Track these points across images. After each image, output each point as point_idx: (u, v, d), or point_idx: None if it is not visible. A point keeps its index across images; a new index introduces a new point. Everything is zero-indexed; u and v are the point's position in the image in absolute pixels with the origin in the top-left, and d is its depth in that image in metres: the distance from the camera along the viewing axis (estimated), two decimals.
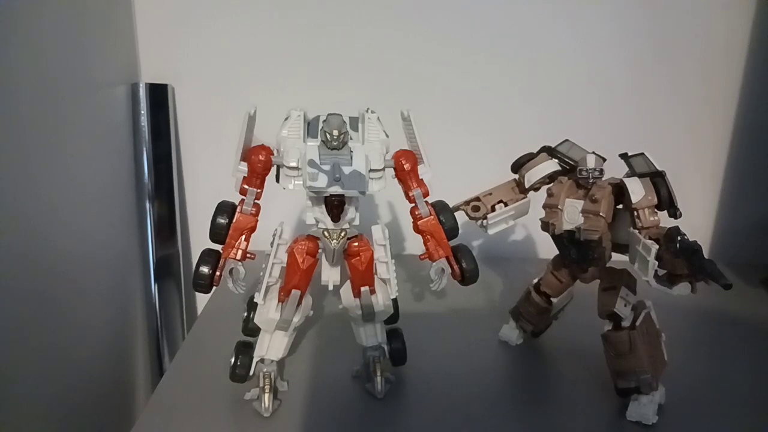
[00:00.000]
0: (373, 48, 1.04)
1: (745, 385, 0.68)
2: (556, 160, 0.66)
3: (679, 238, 0.51)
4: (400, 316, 0.69)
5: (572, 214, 0.61)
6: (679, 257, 0.51)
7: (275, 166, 0.57)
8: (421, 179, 0.59)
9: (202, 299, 1.10)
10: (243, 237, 0.57)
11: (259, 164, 0.56)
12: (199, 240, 1.14)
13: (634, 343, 0.59)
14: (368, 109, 0.58)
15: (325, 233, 0.58)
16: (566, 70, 1.05)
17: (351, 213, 0.58)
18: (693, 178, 1.11)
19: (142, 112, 0.99)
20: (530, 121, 1.05)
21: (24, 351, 0.71)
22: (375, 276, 0.62)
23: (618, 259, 0.62)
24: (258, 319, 0.61)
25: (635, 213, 0.57)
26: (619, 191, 0.59)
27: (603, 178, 0.61)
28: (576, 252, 0.63)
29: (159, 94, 1.01)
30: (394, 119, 0.61)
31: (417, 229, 0.60)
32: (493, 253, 1.11)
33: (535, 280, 0.73)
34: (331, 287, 0.62)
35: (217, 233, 0.57)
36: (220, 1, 1.02)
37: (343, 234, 0.58)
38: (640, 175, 0.59)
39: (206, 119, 1.06)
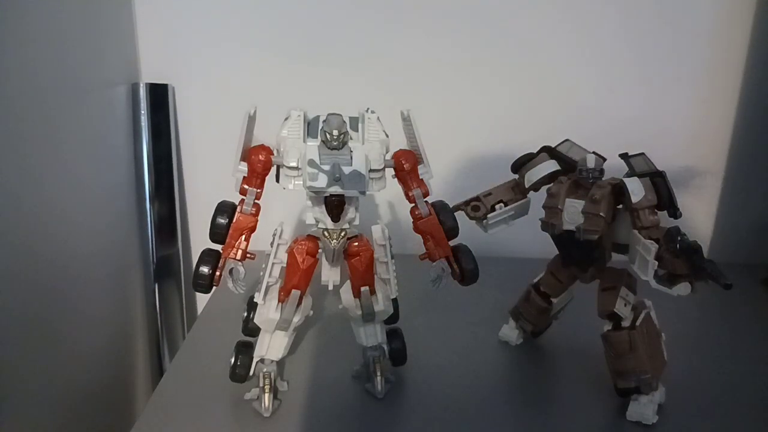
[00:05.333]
0: (373, 48, 1.04)
1: (745, 385, 0.68)
2: (556, 160, 0.66)
3: (679, 238, 0.51)
4: (400, 316, 0.69)
5: (572, 214, 0.61)
6: (679, 257, 0.52)
7: (275, 166, 0.57)
8: (421, 179, 0.59)
9: (202, 299, 1.10)
10: (243, 237, 0.57)
11: (259, 164, 0.56)
12: (199, 240, 1.14)
13: (634, 343, 0.58)
14: (368, 109, 0.58)
15: (325, 233, 0.58)
16: (567, 70, 1.05)
17: (351, 213, 0.58)
18: (693, 178, 1.11)
19: (142, 112, 0.99)
20: (530, 120, 1.05)
21: (24, 351, 0.71)
22: (375, 276, 0.62)
23: (618, 259, 0.62)
24: (258, 319, 0.61)
25: (635, 213, 0.57)
26: (619, 191, 0.59)
27: (603, 178, 0.61)
28: (576, 252, 0.63)
29: (159, 94, 1.01)
30: (394, 119, 0.61)
31: (417, 229, 0.60)
32: (493, 253, 1.11)
33: (535, 280, 0.73)
34: (331, 287, 0.62)
35: (217, 233, 0.57)
36: (221, 1, 1.02)
37: (343, 234, 0.58)
38: (640, 175, 0.59)
39: (206, 119, 1.06)
